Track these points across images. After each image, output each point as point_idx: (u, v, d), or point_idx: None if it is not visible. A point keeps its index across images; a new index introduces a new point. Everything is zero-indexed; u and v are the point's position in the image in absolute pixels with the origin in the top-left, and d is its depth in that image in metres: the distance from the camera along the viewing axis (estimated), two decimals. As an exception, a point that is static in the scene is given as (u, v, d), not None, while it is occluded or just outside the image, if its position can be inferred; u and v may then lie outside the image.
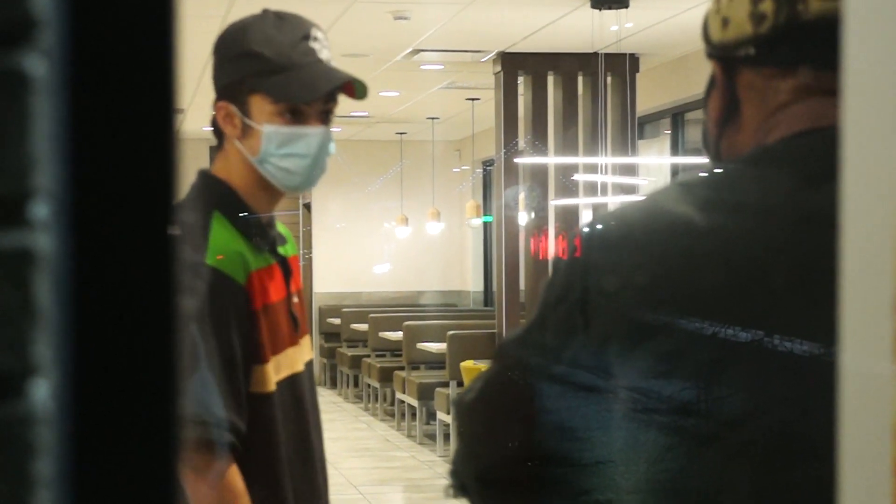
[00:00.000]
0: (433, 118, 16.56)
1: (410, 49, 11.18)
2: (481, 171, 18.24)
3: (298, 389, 2.72)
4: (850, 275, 0.87)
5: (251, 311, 2.60)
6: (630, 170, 11.09)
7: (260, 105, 2.62)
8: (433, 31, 10.52)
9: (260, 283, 2.63)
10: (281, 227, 2.87)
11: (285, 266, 2.74)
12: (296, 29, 2.64)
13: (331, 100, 2.65)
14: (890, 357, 0.84)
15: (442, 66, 12.29)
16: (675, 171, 11.53)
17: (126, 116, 0.69)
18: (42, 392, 0.66)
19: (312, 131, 2.63)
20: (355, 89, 2.64)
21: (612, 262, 1.72)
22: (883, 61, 0.84)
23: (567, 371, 1.73)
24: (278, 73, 2.59)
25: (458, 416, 1.88)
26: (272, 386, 2.62)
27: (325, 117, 2.66)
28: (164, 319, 0.70)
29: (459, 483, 1.85)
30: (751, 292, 1.64)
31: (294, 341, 2.73)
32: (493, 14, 9.86)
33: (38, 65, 0.66)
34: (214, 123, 2.70)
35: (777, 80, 1.73)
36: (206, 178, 2.73)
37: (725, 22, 1.74)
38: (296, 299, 2.80)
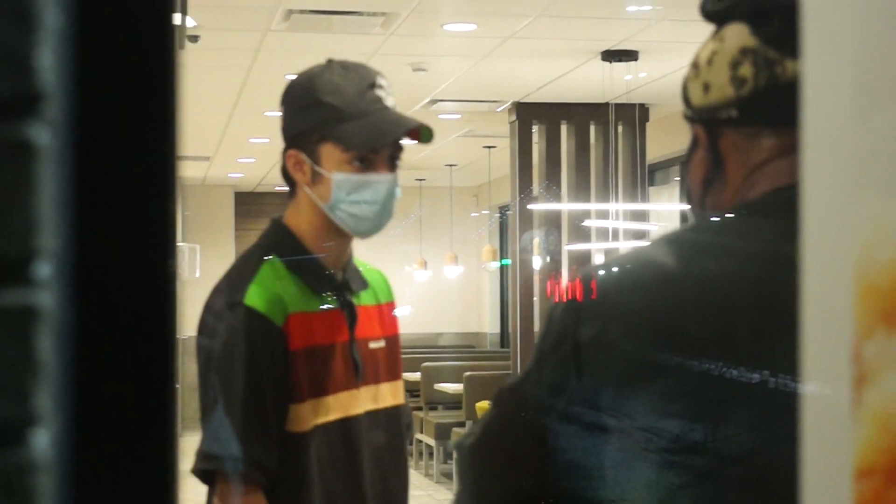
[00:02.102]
0: (451, 165, 16.56)
1: (429, 99, 11.21)
2: (498, 216, 18.22)
3: (353, 432, 2.67)
4: (811, 310, 0.89)
5: (287, 352, 2.58)
6: (641, 216, 11.08)
7: (330, 153, 2.62)
8: (450, 82, 10.55)
9: (303, 326, 2.61)
10: (372, 274, 2.87)
11: (351, 312, 2.71)
12: (362, 78, 2.65)
13: (397, 146, 2.66)
14: (849, 394, 0.87)
15: (459, 116, 12.31)
16: (685, 217, 11.50)
17: (125, 182, 0.71)
18: (43, 441, 0.68)
19: (381, 178, 2.63)
20: (421, 134, 2.66)
21: (604, 309, 1.73)
22: (838, 119, 0.86)
23: (563, 414, 1.74)
24: (347, 122, 2.60)
25: (459, 459, 1.89)
26: (308, 426, 2.60)
27: (392, 164, 2.66)
28: (159, 372, 0.72)
29: None
30: (734, 337, 1.66)
31: (351, 386, 2.68)
32: (507, 66, 9.89)
33: (43, 134, 0.68)
34: (285, 171, 2.70)
35: (758, 140, 1.75)
36: (274, 224, 2.74)
37: (706, 87, 1.77)
38: (375, 345, 2.77)
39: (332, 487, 2.63)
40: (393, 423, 2.79)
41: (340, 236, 2.70)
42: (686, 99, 1.82)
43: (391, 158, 2.66)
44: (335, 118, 2.60)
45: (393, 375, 2.82)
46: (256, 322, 2.57)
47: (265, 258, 2.66)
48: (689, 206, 1.88)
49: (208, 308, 2.66)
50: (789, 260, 1.65)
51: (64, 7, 0.69)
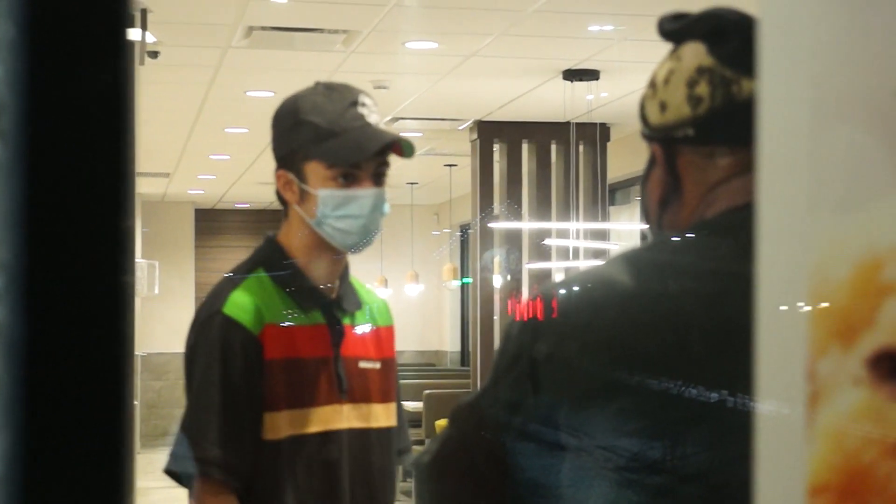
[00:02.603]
0: (412, 183, 16.58)
1: (390, 117, 11.22)
2: (459, 234, 18.24)
3: (335, 445, 2.70)
4: (766, 328, 0.90)
5: (262, 360, 2.63)
6: (601, 235, 11.11)
7: (315, 171, 2.68)
8: (412, 100, 10.56)
9: (281, 337, 2.67)
10: (372, 297, 2.91)
11: (338, 330, 2.75)
12: (344, 96, 2.70)
13: (382, 161, 2.71)
14: (804, 412, 0.87)
15: (421, 134, 12.33)
16: (645, 236, 11.54)
17: (78, 196, 0.71)
18: (-7, 454, 0.67)
19: (364, 193, 2.68)
20: (403, 148, 2.70)
21: (561, 327, 1.74)
22: (794, 138, 0.87)
23: (520, 431, 1.74)
24: (329, 140, 2.66)
25: (417, 477, 1.89)
26: (282, 434, 2.64)
27: (377, 179, 2.71)
28: (112, 387, 0.72)
29: None
30: (691, 355, 1.67)
31: (334, 400, 2.71)
32: (469, 84, 9.91)
33: (-5, 147, 0.68)
34: (278, 191, 2.75)
35: (715, 158, 1.76)
36: (266, 241, 2.81)
37: (663, 106, 1.78)
38: (367, 365, 2.79)
39: (306, 497, 2.66)
40: (384, 443, 2.82)
41: (331, 253, 2.74)
42: (643, 118, 1.83)
43: (376, 174, 2.71)
44: (318, 137, 2.66)
45: (386, 397, 2.85)
46: (232, 330, 2.63)
47: (251, 271, 2.72)
48: (646, 225, 1.88)
49: (195, 318, 2.73)
50: (746, 279, 1.67)
51: (16, 19, 0.69)
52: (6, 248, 0.68)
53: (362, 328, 2.83)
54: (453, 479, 1.83)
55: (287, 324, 2.69)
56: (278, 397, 2.64)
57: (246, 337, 2.63)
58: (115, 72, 0.73)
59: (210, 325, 2.66)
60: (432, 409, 11.61)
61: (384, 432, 2.82)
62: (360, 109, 2.69)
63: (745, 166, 1.74)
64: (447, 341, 19.11)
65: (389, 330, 2.92)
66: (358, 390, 2.76)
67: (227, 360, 2.62)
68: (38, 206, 0.70)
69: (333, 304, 2.76)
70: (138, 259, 12.47)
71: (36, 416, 0.70)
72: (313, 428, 2.67)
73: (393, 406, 2.87)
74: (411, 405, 12.46)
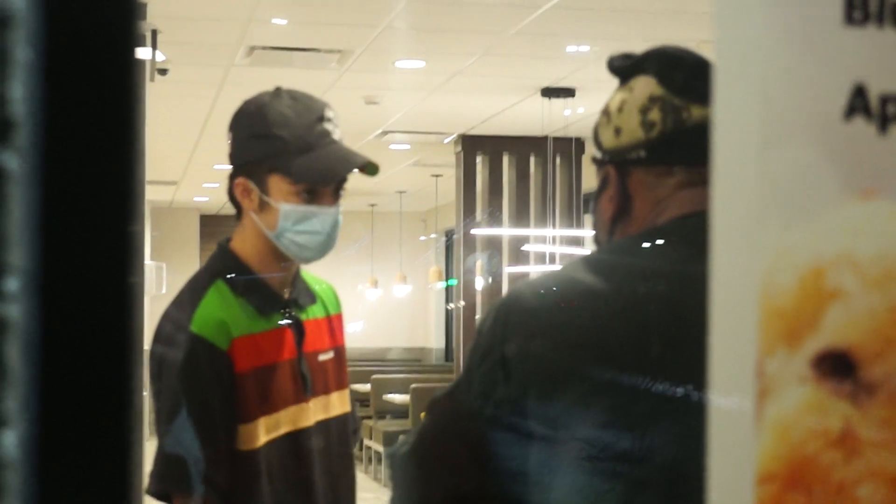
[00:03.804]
0: (401, 192, 16.59)
1: (381, 130, 11.22)
2: (444, 239, 18.25)
3: (303, 443, 2.60)
4: (718, 329, 0.91)
5: (233, 375, 2.51)
6: (576, 241, 11.13)
7: (278, 184, 2.53)
8: (401, 115, 10.57)
9: (249, 348, 2.54)
10: (321, 286, 2.79)
11: (299, 329, 2.64)
12: (310, 110, 2.55)
13: (342, 179, 2.58)
14: (753, 407, 0.88)
15: (409, 146, 12.34)
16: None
17: (88, 204, 0.72)
18: (10, 441, 0.68)
19: (326, 210, 2.55)
20: (368, 170, 2.58)
21: (527, 325, 1.75)
22: (743, 157, 0.88)
23: (492, 421, 1.75)
24: (296, 155, 2.50)
25: (393, 466, 1.88)
26: (258, 443, 2.52)
27: (336, 195, 2.58)
28: (119, 378, 0.73)
29: None
30: (646, 350, 1.69)
31: (300, 399, 2.61)
32: (454, 100, 9.92)
33: (13, 160, 0.68)
34: (232, 196, 2.60)
35: (665, 177, 1.80)
36: (220, 249, 2.65)
37: (618, 131, 1.82)
38: (324, 357, 2.70)
39: (282, 498, 2.57)
40: (341, 429, 2.74)
41: (285, 260, 2.61)
42: (598, 143, 1.87)
43: (336, 190, 2.58)
44: (284, 151, 2.50)
45: (340, 384, 2.76)
46: (201, 348, 2.49)
47: (212, 282, 2.58)
48: (595, 240, 1.91)
49: (159, 330, 2.57)
50: (695, 279, 1.68)
51: (33, 43, 0.69)
52: (22, 253, 0.69)
53: (317, 322, 2.71)
54: (430, 467, 1.82)
55: (252, 334, 2.55)
56: (251, 408, 2.52)
57: (216, 354, 2.49)
58: (124, 88, 0.74)
59: (179, 344, 2.50)
60: (418, 401, 11.60)
61: (341, 418, 2.74)
62: (326, 125, 2.55)
63: (691, 181, 1.78)
64: (432, 339, 19.11)
65: (339, 318, 2.80)
66: (319, 384, 2.67)
67: (200, 380, 2.49)
68: (51, 213, 0.71)
69: (291, 303, 2.64)
70: (147, 261, 12.44)
71: (50, 406, 0.70)
72: (283, 429, 2.58)
73: (346, 392, 2.78)
74: (399, 398, 12.46)
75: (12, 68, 0.67)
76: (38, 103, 0.70)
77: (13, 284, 0.69)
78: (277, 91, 2.60)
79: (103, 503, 0.73)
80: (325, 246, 2.58)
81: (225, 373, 2.50)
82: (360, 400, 14.71)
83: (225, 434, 2.50)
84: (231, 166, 2.61)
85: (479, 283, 11.46)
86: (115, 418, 0.73)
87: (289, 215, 2.54)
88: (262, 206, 2.56)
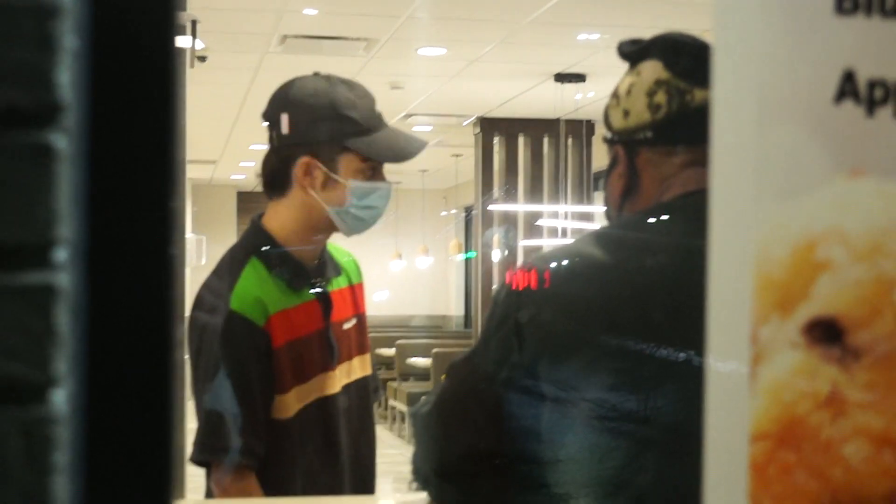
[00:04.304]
0: (423, 171, 16.57)
1: (404, 113, 11.20)
2: (464, 215, 18.23)
3: (330, 409, 2.60)
4: (716, 298, 0.91)
5: (270, 350, 2.51)
6: (587, 216, 11.11)
7: (349, 162, 2.52)
8: (423, 99, 10.55)
9: (284, 323, 2.53)
10: (344, 257, 2.78)
11: (326, 301, 2.62)
12: (367, 96, 2.57)
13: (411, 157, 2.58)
14: (747, 371, 0.88)
15: (431, 128, 12.31)
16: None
17: (131, 180, 0.72)
18: (60, 398, 0.69)
19: (386, 185, 2.57)
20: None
21: (541, 294, 1.75)
22: (742, 137, 0.88)
23: (506, 383, 1.75)
24: (366, 135, 2.52)
25: (416, 424, 1.89)
26: (292, 412, 2.53)
27: (383, 173, 2.59)
28: (160, 341, 0.74)
29: (422, 478, 1.87)
30: (651, 317, 1.68)
31: (328, 367, 2.61)
32: (472, 85, 9.90)
33: (62, 140, 0.69)
34: (277, 175, 2.56)
35: (670, 156, 1.79)
36: (253, 225, 2.63)
37: (626, 113, 1.81)
38: (348, 325, 2.69)
39: (312, 460, 2.58)
40: (362, 390, 2.73)
41: (319, 236, 2.60)
42: (608, 124, 1.87)
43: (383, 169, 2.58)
44: (356, 131, 2.51)
45: (362, 349, 2.75)
46: (241, 325, 2.48)
47: (247, 259, 2.56)
48: (606, 215, 1.91)
49: (199, 298, 2.56)
50: (697, 252, 1.68)
51: (80, 31, 0.70)
52: (72, 227, 0.69)
53: (342, 292, 2.70)
54: (449, 425, 1.83)
55: (286, 309, 2.54)
56: (286, 379, 2.52)
57: (255, 331, 2.48)
58: (165, 74, 0.74)
59: (219, 321, 2.48)
60: (439, 365, 11.61)
61: (362, 381, 2.73)
62: (378, 110, 2.57)
63: (695, 161, 1.78)
64: (452, 307, 19.12)
65: (361, 286, 2.79)
66: (344, 351, 2.66)
67: (241, 355, 2.48)
68: (97, 189, 0.71)
69: (319, 277, 2.63)
70: (188, 234, 12.47)
71: (98, 367, 0.71)
72: (313, 397, 2.57)
73: (367, 356, 2.77)
74: (421, 361, 12.48)
75: (60, 55, 0.67)
76: (85, 88, 0.70)
77: (62, 255, 0.69)
78: (326, 76, 2.58)
79: (146, 455, 0.74)
80: (377, 219, 2.60)
81: (263, 348, 2.50)
82: (385, 363, 14.74)
83: (263, 406, 2.50)
84: (285, 147, 2.56)
85: (496, 256, 11.46)
86: (156, 378, 0.74)
87: (356, 191, 2.53)
88: (327, 184, 2.53)
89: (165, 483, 0.75)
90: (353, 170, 2.53)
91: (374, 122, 2.54)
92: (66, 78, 0.68)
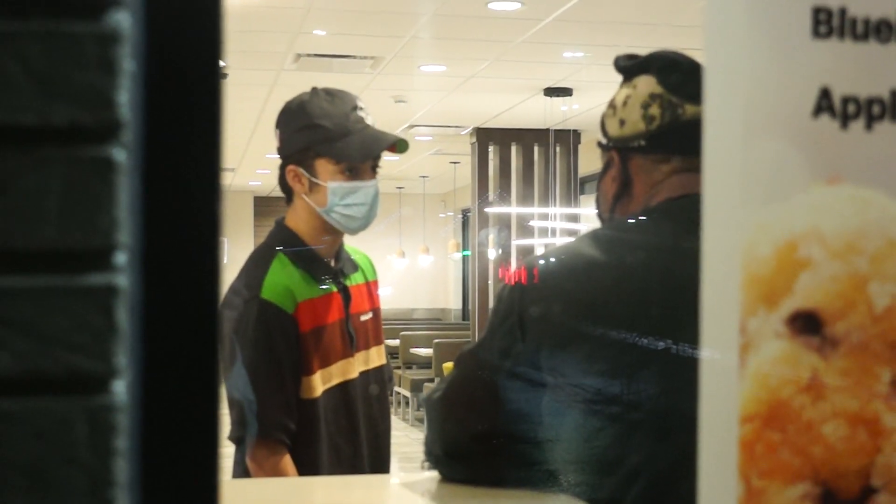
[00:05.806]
0: (424, 176, 16.57)
1: (408, 125, 11.21)
2: (461, 216, 18.24)
3: (351, 392, 2.62)
4: (708, 293, 0.91)
5: (299, 334, 2.52)
6: (574, 218, 11.12)
7: (324, 166, 2.54)
8: (425, 111, 10.55)
9: (310, 310, 2.55)
10: (360, 256, 2.79)
11: (346, 293, 2.65)
12: (345, 102, 2.57)
13: (377, 156, 2.58)
14: (737, 358, 0.89)
15: (431, 138, 12.32)
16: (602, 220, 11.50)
17: (182, 190, 0.73)
18: (121, 389, 0.69)
19: (367, 184, 2.56)
20: (397, 146, 2.59)
21: (542, 290, 1.76)
22: (730, 146, 0.89)
23: (510, 372, 1.76)
24: (338, 140, 2.52)
25: (428, 409, 1.90)
26: (318, 393, 2.54)
27: (373, 171, 2.59)
28: (208, 336, 0.74)
29: (433, 458, 1.87)
30: (645, 311, 1.69)
31: (348, 354, 2.62)
32: (470, 99, 9.90)
33: (121, 154, 0.69)
34: (283, 182, 2.61)
35: (660, 163, 1.80)
36: (278, 225, 2.66)
37: (622, 122, 1.82)
38: (365, 317, 2.70)
39: (336, 439, 2.59)
40: (379, 378, 2.74)
41: (334, 233, 2.62)
42: (604, 131, 1.87)
43: (373, 167, 2.58)
44: (327, 137, 2.52)
45: (378, 340, 2.77)
46: (272, 312, 2.50)
47: (274, 254, 2.59)
48: (599, 215, 1.91)
49: (231, 296, 2.57)
50: (683, 251, 1.69)
51: (137, 56, 0.70)
52: (129, 233, 0.70)
53: (359, 287, 2.72)
54: (458, 409, 1.84)
55: (312, 298, 2.57)
56: (312, 362, 2.53)
57: (285, 317, 2.50)
58: (212, 94, 0.75)
59: (251, 310, 2.50)
60: (440, 354, 11.61)
61: (378, 369, 2.74)
62: (360, 113, 2.56)
63: (681, 168, 1.78)
64: (451, 301, 19.11)
65: (376, 283, 2.81)
66: (361, 341, 2.68)
67: (273, 339, 2.49)
68: (153, 199, 0.72)
69: (338, 272, 2.65)
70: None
71: (152, 358, 0.72)
72: (336, 380, 2.59)
73: (382, 347, 2.79)
74: (423, 351, 12.47)
75: (120, 78, 0.68)
76: (141, 107, 0.71)
77: (122, 258, 0.70)
78: (314, 90, 2.61)
79: (196, 439, 0.75)
80: (368, 215, 2.59)
81: (292, 332, 2.52)
82: (390, 353, 14.68)
83: (293, 386, 2.52)
84: (281, 157, 2.62)
85: (491, 254, 11.46)
86: (204, 369, 0.74)
87: (336, 192, 2.54)
88: (312, 188, 2.56)
89: (213, 464, 0.76)
90: (329, 172, 2.54)
91: (347, 127, 2.53)
92: (126, 98, 0.68)
